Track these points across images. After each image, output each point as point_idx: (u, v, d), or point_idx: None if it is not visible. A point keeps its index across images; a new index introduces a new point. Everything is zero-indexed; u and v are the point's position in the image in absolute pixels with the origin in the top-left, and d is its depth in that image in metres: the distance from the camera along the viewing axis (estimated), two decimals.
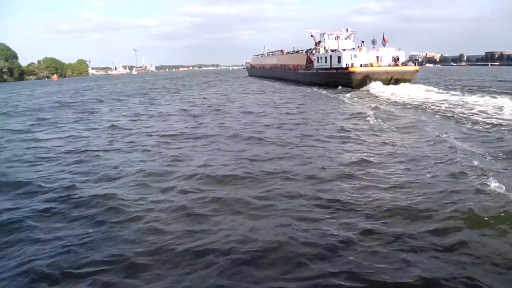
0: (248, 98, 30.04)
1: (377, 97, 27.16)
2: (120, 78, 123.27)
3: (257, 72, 78.68)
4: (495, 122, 14.78)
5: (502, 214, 6.05)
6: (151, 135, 14.50)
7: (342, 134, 13.29)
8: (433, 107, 20.01)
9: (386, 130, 13.97)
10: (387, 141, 12.06)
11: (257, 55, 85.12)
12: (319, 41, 46.08)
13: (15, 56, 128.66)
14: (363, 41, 39.27)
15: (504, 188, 7.10)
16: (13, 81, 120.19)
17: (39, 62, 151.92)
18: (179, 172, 9.12)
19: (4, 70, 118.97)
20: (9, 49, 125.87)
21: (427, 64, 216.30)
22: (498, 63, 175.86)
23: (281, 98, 29.01)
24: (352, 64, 34.90)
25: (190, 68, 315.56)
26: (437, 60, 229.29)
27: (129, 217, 6.54)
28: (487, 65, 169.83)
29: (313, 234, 5.73)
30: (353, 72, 33.84)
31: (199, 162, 9.92)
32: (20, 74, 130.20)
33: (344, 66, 35.62)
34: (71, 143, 13.51)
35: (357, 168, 9.06)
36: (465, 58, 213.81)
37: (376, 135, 13.15)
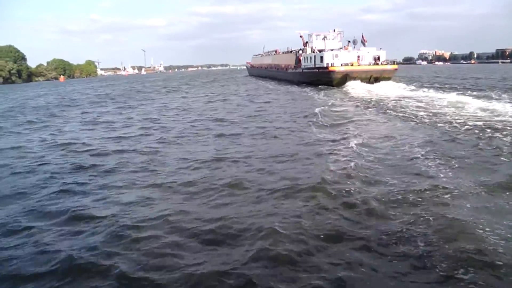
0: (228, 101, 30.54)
1: (349, 94, 27.88)
2: (123, 78, 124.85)
3: (256, 71, 79.19)
4: (437, 119, 15.05)
5: None
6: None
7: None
8: (390, 104, 20.47)
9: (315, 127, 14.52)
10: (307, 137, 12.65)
11: (256, 55, 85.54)
12: (307, 42, 46.53)
13: (23, 58, 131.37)
14: (349, 41, 40.28)
15: None
16: (21, 82, 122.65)
17: (48, 63, 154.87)
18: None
19: (13, 71, 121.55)
20: (18, 51, 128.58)
21: (436, 62, 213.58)
22: (509, 60, 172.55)
23: (257, 96, 29.80)
24: (332, 63, 35.63)
25: (199, 68, 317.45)
26: (447, 58, 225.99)
27: None
28: (498, 62, 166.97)
29: None
30: (333, 71, 34.79)
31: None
32: (29, 75, 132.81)
33: (325, 65, 36.32)
34: None
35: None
36: (475, 56, 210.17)
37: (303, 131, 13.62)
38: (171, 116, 20.71)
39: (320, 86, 35.13)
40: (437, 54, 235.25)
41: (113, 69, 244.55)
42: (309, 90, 33.30)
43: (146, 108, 26.14)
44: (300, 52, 46.89)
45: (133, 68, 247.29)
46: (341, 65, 35.20)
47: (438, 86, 33.49)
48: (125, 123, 18.79)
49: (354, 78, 34.19)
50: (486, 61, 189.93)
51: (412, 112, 17.38)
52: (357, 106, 21.08)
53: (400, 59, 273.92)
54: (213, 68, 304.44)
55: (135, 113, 22.74)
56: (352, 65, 35.47)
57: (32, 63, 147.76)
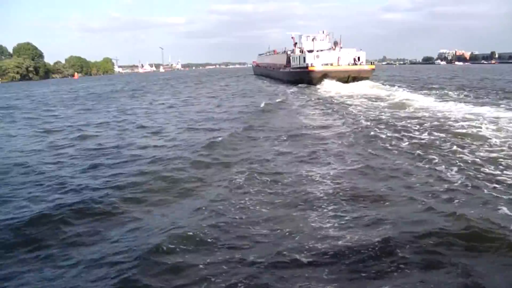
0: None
1: (317, 92, 30.29)
2: (137, 76, 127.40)
3: (258, 71, 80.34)
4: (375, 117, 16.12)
5: None
6: None
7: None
8: (346, 103, 22.15)
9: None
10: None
11: (260, 55, 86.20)
12: (296, 43, 47.70)
13: (40, 55, 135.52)
14: (336, 42, 41.42)
15: None
16: (38, 79, 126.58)
17: (66, 60, 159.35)
18: None
19: (30, 69, 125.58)
20: (35, 48, 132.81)
21: (456, 62, 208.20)
22: None
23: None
24: (312, 64, 37.01)
25: (217, 66, 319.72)
26: (467, 58, 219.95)
27: None
28: None
29: None
30: (313, 71, 36.48)
31: None
32: (46, 72, 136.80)
33: (305, 65, 37.93)
34: None
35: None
36: (496, 56, 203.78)
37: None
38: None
39: (299, 85, 36.83)
40: (457, 54, 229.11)
41: (131, 66, 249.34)
42: (286, 88, 36.01)
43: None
44: (289, 52, 48.53)
45: (151, 65, 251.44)
46: (321, 65, 36.64)
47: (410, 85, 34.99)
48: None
49: (333, 78, 35.43)
50: (508, 61, 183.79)
51: (343, 107, 20.09)
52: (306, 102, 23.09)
53: (419, 59, 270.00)
54: (230, 66, 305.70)
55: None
56: (331, 65, 36.87)
57: (52, 60, 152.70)
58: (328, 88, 32.12)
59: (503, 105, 18.56)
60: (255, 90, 37.30)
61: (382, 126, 13.99)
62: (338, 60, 37.31)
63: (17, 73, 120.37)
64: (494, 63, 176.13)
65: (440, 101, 20.84)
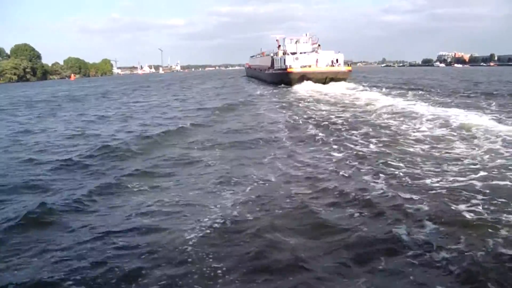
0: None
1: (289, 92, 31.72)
2: (133, 77, 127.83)
3: (250, 72, 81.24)
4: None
5: None
6: None
7: None
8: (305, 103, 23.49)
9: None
10: None
11: (252, 56, 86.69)
12: (279, 45, 48.30)
13: (38, 56, 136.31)
14: (319, 45, 43.45)
15: None
16: (35, 80, 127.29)
17: (64, 61, 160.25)
18: None
19: (27, 70, 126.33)
20: (33, 50, 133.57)
21: (455, 65, 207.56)
22: None
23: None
24: (290, 65, 38.28)
25: (217, 67, 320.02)
26: (467, 60, 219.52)
27: None
28: None
29: None
30: (291, 72, 37.63)
31: None
32: (43, 73, 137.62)
33: (285, 67, 39.22)
34: None
35: None
36: (495, 58, 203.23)
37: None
38: None
39: (280, 85, 38.35)
40: (457, 56, 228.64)
41: (130, 68, 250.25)
42: (265, 89, 37.83)
43: None
44: (272, 54, 49.75)
45: (150, 67, 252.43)
46: (300, 67, 37.76)
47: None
48: None
49: (310, 79, 36.48)
50: (508, 63, 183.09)
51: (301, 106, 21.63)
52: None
53: (419, 61, 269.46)
54: (230, 68, 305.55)
55: None
56: (310, 67, 37.89)
57: (52, 61, 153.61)
58: (304, 88, 33.18)
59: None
60: (232, 92, 38.00)
61: (314, 123, 15.40)
62: (317, 62, 38.32)
63: (14, 74, 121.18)
64: (492, 66, 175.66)
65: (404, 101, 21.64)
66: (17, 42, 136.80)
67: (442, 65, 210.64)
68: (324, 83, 35.79)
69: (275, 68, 44.88)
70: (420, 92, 28.97)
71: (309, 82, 35.74)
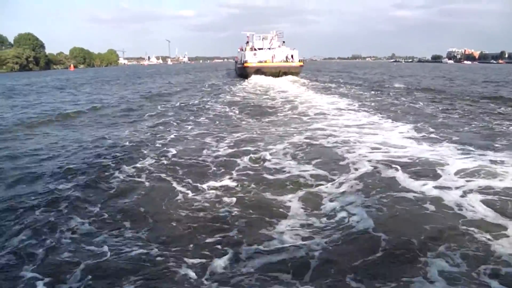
0: None
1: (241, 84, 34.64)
2: (134, 68, 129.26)
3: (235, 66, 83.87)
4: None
5: None
6: None
7: None
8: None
9: None
10: None
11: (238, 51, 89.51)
12: (247, 41, 50.09)
13: (42, 46, 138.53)
14: (284, 41, 46.35)
15: None
16: (38, 70, 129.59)
17: (70, 51, 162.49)
18: None
19: (30, 59, 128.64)
20: (36, 39, 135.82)
21: (465, 61, 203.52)
22: None
23: None
24: (247, 60, 41.45)
25: (225, 60, 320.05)
26: (476, 57, 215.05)
27: None
28: None
29: None
30: (247, 67, 40.77)
31: None
32: (47, 63, 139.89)
33: (243, 62, 42.58)
34: None
35: None
36: (506, 55, 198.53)
37: None
38: None
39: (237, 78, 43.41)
40: (467, 52, 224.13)
41: (137, 58, 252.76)
42: (227, 80, 42.81)
43: None
44: (239, 50, 53.55)
45: (157, 58, 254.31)
46: (257, 62, 40.92)
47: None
48: None
49: (265, 73, 39.42)
50: None
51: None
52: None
53: (429, 57, 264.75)
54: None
55: None
56: (265, 62, 40.89)
57: (58, 51, 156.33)
58: (255, 80, 36.23)
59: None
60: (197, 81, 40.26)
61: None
62: (273, 57, 41.32)
63: (16, 63, 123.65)
64: (501, 63, 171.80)
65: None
66: (23, 31, 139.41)
67: (451, 61, 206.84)
68: (277, 76, 38.58)
69: (239, 62, 47.91)
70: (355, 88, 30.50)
71: (262, 76, 38.37)
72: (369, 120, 13.62)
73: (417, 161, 8.14)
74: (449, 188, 6.52)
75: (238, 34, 46.21)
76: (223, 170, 7.96)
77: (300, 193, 6.60)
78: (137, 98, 24.87)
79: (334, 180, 7.20)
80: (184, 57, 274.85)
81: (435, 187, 6.56)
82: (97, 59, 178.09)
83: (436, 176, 7.11)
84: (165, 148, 9.94)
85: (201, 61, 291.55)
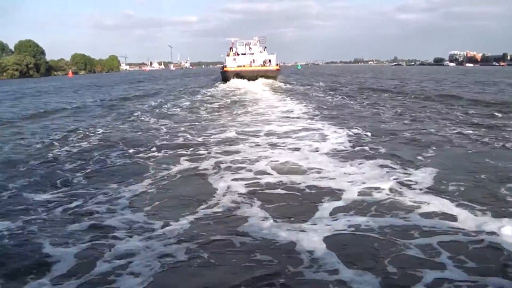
0: None
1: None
2: (125, 75, 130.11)
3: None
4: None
5: None
6: None
7: None
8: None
9: None
10: None
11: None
12: (231, 47, 50.83)
13: (42, 52, 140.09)
14: (265, 47, 48.06)
15: None
16: (39, 76, 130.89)
17: (71, 58, 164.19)
18: None
19: (30, 66, 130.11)
20: (37, 46, 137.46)
21: (466, 64, 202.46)
22: None
23: None
24: (226, 65, 44.23)
25: None
26: (478, 60, 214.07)
27: None
28: None
29: None
30: (227, 71, 43.21)
31: None
32: (47, 69, 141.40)
33: (223, 66, 45.35)
34: None
35: None
36: (508, 58, 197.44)
37: None
38: None
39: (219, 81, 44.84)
40: (469, 55, 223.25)
41: (139, 64, 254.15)
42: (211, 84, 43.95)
43: None
44: (222, 55, 54.29)
45: (160, 63, 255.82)
46: (236, 66, 43.19)
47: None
48: None
49: (243, 76, 41.27)
50: None
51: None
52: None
53: (431, 60, 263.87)
54: None
55: None
56: (244, 66, 43.06)
57: (60, 57, 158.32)
58: (233, 84, 38.42)
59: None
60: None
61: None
62: (251, 62, 43.63)
63: (16, 70, 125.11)
64: (503, 65, 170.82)
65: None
66: (26, 38, 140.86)
67: (452, 64, 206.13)
68: (255, 80, 40.48)
69: (221, 66, 50.50)
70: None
71: (239, 79, 40.44)
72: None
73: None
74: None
75: (240, 39, 48.18)
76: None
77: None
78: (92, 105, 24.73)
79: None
80: (186, 62, 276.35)
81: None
82: (98, 65, 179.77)
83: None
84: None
85: (203, 66, 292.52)
